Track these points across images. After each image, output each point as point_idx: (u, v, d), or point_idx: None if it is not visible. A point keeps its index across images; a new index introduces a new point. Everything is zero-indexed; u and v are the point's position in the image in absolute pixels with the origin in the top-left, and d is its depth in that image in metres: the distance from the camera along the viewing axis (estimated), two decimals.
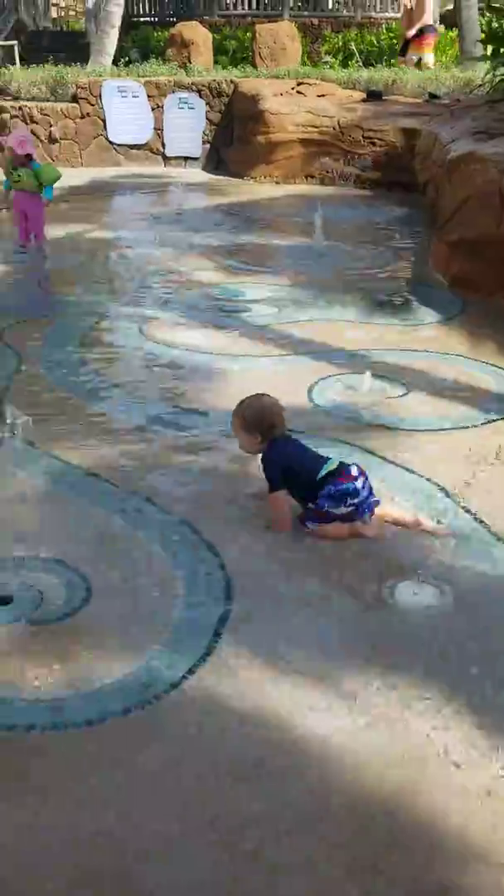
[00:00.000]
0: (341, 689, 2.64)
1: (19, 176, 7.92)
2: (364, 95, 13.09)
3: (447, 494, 3.81)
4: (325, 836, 2.15)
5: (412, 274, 7.64)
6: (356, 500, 3.45)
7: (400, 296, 6.90)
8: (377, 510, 3.54)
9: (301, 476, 3.51)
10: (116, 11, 15.79)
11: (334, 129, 11.98)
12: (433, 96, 12.63)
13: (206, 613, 2.98)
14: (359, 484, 3.47)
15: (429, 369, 5.28)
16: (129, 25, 19.04)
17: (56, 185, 8.23)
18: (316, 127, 12.06)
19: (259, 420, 3.57)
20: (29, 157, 7.94)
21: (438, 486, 3.87)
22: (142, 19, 21.44)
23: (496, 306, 6.47)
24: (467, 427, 4.50)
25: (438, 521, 3.57)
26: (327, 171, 12.13)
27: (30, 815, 2.20)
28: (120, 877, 2.04)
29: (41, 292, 6.99)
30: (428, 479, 3.93)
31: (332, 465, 3.50)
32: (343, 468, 3.51)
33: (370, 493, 3.51)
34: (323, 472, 3.46)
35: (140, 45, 18.50)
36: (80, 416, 4.59)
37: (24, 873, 2.05)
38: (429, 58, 15.38)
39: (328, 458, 3.58)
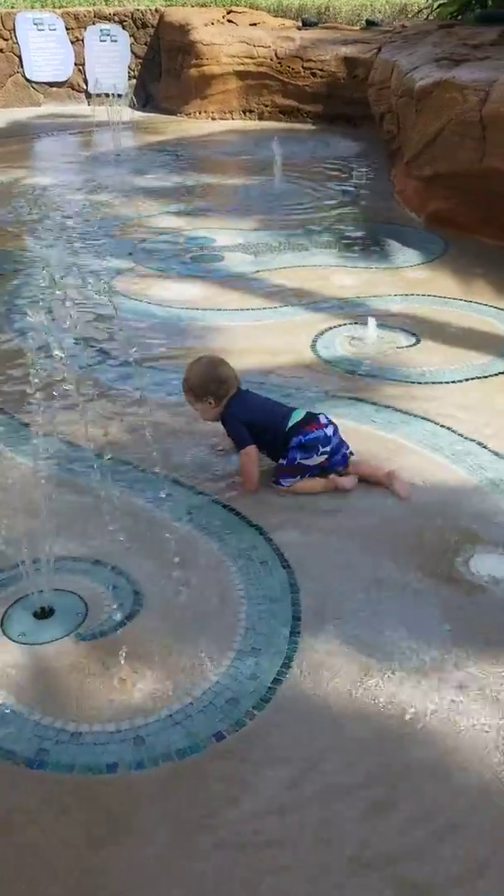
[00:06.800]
0: (450, 678, 2.37)
1: None
2: (295, 24, 12.49)
3: (483, 446, 3.56)
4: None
5: (382, 212, 7.27)
6: (328, 448, 3.25)
7: (376, 236, 6.55)
8: (351, 465, 3.33)
9: (268, 430, 3.27)
10: None
11: (271, 59, 11.37)
12: (371, 23, 12.11)
13: (275, 608, 2.65)
14: (329, 431, 3.26)
15: (431, 315, 4.98)
16: None
17: None
18: (252, 58, 11.42)
19: (205, 383, 3.28)
20: None
21: (475, 440, 3.61)
22: None
23: (479, 244, 6.20)
24: (488, 376, 4.23)
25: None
26: (266, 105, 11.57)
27: (127, 875, 1.87)
28: None
29: None
30: (461, 435, 3.66)
31: (299, 416, 3.26)
32: (311, 417, 3.27)
33: (342, 442, 3.31)
34: (291, 423, 3.23)
35: None
36: (68, 386, 4.12)
37: None
38: None
39: (294, 409, 3.32)
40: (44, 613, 2.60)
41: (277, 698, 2.32)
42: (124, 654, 2.45)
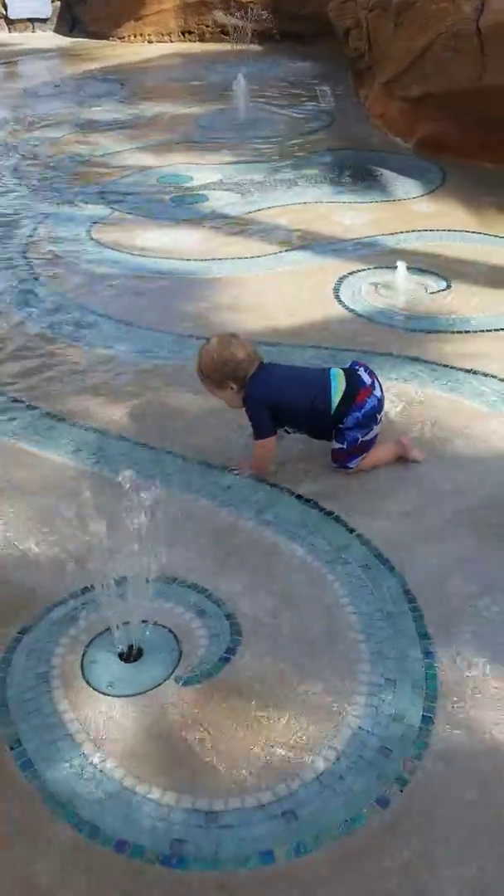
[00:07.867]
0: None
1: None
2: None
3: None
4: None
5: (363, 139, 6.74)
6: (383, 412, 2.91)
7: (366, 166, 6.04)
8: None
9: (302, 408, 2.84)
10: None
11: None
12: None
13: (396, 624, 2.27)
14: (378, 393, 2.87)
15: (453, 253, 4.57)
16: None
17: None
18: None
19: (221, 366, 2.82)
20: None
21: None
22: None
23: (479, 169, 5.77)
24: None
25: None
26: (208, 25, 10.74)
27: None
28: None
29: None
30: None
31: (339, 384, 2.82)
32: (356, 382, 2.83)
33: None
34: (335, 400, 2.80)
35: None
36: (69, 358, 3.61)
37: None
38: None
39: (329, 375, 2.85)
40: (131, 654, 2.16)
41: (434, 742, 1.95)
42: (240, 700, 2.04)
